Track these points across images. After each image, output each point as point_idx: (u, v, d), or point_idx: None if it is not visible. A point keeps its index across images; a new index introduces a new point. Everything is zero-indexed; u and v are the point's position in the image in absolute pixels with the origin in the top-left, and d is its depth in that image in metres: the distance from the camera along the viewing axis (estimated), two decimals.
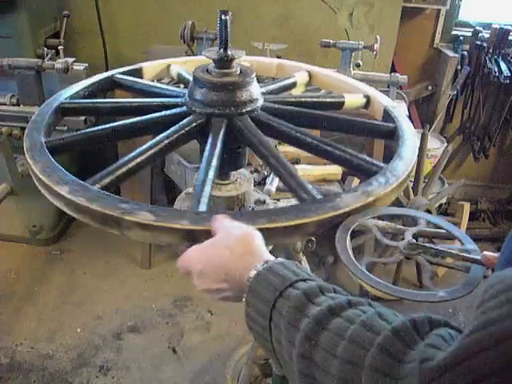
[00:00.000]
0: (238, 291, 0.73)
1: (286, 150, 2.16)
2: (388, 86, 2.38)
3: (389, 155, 1.05)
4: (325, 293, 0.64)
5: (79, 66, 2.24)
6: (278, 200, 1.37)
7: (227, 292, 0.75)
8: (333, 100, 1.26)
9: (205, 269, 0.75)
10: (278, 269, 0.68)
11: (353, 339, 0.55)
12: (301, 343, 0.59)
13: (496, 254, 0.80)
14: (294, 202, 1.36)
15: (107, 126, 1.06)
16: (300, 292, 0.64)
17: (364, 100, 1.28)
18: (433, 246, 0.87)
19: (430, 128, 2.83)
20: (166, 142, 0.99)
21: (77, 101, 1.23)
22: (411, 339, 0.52)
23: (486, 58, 2.96)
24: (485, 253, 0.82)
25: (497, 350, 0.44)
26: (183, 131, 1.02)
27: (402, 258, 0.88)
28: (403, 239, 0.89)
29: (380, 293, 0.80)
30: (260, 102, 1.08)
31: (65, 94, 1.23)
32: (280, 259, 0.72)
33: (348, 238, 0.85)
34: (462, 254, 0.85)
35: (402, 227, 0.93)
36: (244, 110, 1.04)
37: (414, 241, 0.87)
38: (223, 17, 0.97)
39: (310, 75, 1.42)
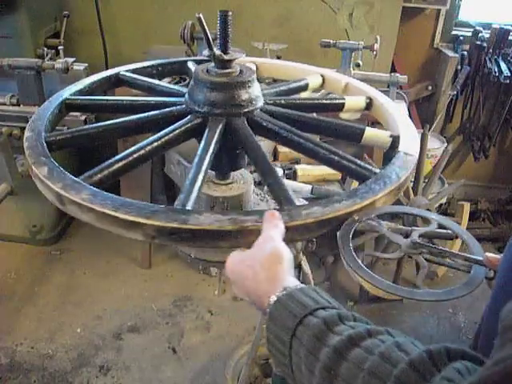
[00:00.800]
0: (259, 309, 0.75)
1: (287, 150, 2.15)
2: (388, 86, 2.38)
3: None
4: (344, 321, 0.64)
5: (79, 66, 2.24)
6: None
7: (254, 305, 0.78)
8: (350, 131, 1.14)
9: (233, 282, 0.80)
10: (298, 296, 0.69)
11: (371, 371, 0.55)
12: (320, 373, 0.60)
13: (498, 256, 0.80)
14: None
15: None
16: (320, 320, 0.64)
17: (389, 139, 1.12)
18: (435, 246, 0.87)
19: (430, 128, 2.83)
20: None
21: (131, 75, 1.31)
22: (427, 371, 0.53)
23: (486, 58, 2.97)
24: (487, 254, 0.82)
25: None
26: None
27: (402, 255, 0.88)
28: (407, 237, 0.89)
29: (381, 292, 0.80)
30: (259, 104, 1.07)
31: (126, 67, 1.33)
32: (300, 285, 0.72)
33: (350, 237, 0.85)
34: (464, 254, 0.85)
35: (408, 228, 0.93)
36: (243, 111, 1.03)
37: (418, 240, 0.87)
38: (196, 15, 0.97)
39: (370, 101, 1.28)
